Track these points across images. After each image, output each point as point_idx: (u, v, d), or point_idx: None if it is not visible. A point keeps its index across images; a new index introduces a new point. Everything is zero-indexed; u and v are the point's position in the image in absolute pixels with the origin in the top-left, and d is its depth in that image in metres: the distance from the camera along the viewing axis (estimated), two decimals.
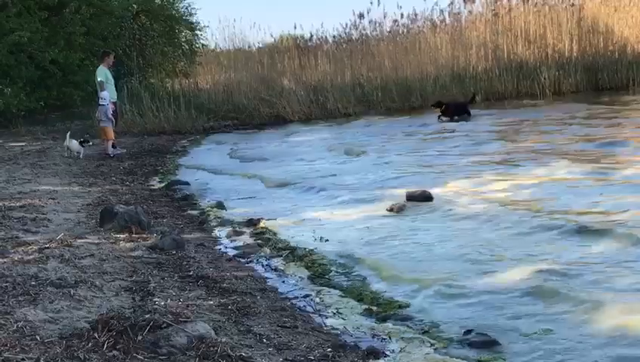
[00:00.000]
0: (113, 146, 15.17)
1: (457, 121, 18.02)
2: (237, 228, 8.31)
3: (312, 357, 4.29)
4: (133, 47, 24.68)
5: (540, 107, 19.37)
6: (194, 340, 4.09)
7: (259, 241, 7.66)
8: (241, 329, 4.67)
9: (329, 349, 4.43)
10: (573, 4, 23.62)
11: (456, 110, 18.61)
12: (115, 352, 3.97)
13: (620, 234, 6.64)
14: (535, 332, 4.68)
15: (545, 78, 21.96)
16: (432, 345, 4.65)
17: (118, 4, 24.83)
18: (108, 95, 15.06)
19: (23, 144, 16.97)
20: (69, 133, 15.03)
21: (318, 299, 5.61)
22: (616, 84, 22.17)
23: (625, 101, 18.74)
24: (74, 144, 14.69)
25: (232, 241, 7.79)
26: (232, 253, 7.26)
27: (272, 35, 28.94)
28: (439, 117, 18.43)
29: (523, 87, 22.59)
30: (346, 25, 26.70)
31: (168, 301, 5.05)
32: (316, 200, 9.78)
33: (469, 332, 4.75)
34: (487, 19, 24.35)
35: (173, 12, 26.57)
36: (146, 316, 4.34)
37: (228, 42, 26.42)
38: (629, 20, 23.13)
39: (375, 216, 8.44)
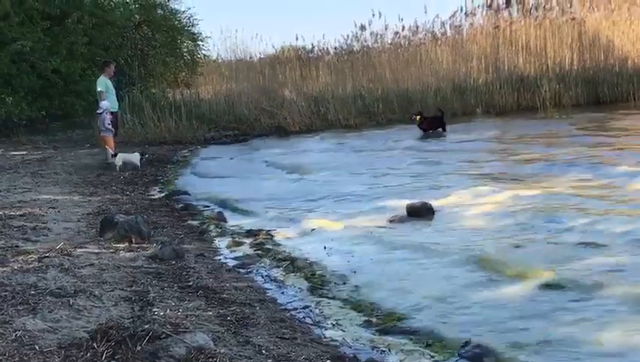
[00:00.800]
0: (114, 156, 15.14)
1: (432, 134, 18.23)
2: (237, 239, 8.31)
3: None
4: (135, 57, 24.78)
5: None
6: (193, 351, 4.08)
7: (259, 252, 7.66)
8: (240, 340, 4.66)
9: (328, 361, 4.42)
10: (574, 18, 23.68)
11: (433, 124, 18.66)
12: None
13: (618, 249, 6.64)
14: (534, 345, 4.68)
15: (545, 91, 21.98)
16: (431, 357, 4.65)
17: (120, 15, 24.91)
18: (106, 104, 15.04)
19: (24, 153, 17.01)
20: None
21: (317, 311, 5.61)
22: (617, 97, 22.18)
23: (617, 117, 18.58)
24: (135, 156, 14.65)
25: (231, 252, 7.79)
26: (231, 263, 7.25)
27: (273, 46, 29.03)
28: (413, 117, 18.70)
29: (524, 100, 22.59)
30: (348, 36, 26.83)
31: (167, 311, 5.04)
32: (316, 211, 9.77)
33: (468, 344, 4.74)
34: (488, 31, 24.39)
35: (176, 22, 26.66)
36: (145, 326, 4.34)
37: (229, 53, 26.54)
38: (630, 34, 23.19)
39: (375, 227, 8.44)
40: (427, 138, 17.89)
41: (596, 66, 23.06)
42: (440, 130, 18.56)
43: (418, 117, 18.64)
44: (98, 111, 15.14)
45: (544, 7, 24.27)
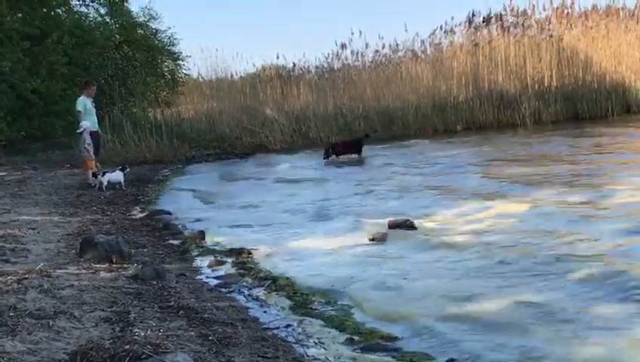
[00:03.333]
0: (94, 176, 15.04)
1: (344, 158, 18.14)
2: (219, 258, 8.27)
3: None
4: (115, 77, 24.75)
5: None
6: None
7: (241, 271, 7.62)
8: (222, 360, 4.62)
9: None
10: (552, 35, 23.93)
11: (346, 148, 18.48)
12: None
13: (598, 266, 6.66)
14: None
15: (525, 108, 22.16)
16: None
17: (100, 34, 24.91)
18: (86, 124, 14.95)
19: (4, 174, 16.87)
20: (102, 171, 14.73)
21: (299, 329, 5.58)
22: (596, 113, 22.42)
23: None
24: (118, 175, 14.63)
25: (213, 271, 7.74)
26: (213, 282, 7.21)
27: (254, 65, 29.09)
28: (327, 156, 18.21)
29: (504, 117, 22.78)
30: (328, 55, 26.98)
31: (148, 331, 4.99)
32: (298, 230, 9.75)
33: (451, 361, 4.74)
34: (468, 49, 24.60)
35: (156, 42, 26.72)
36: (126, 347, 4.30)
37: (210, 72, 26.52)
38: (607, 50, 23.46)
39: (357, 245, 8.43)
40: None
41: (575, 83, 23.32)
42: (355, 155, 18.39)
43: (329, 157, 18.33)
44: (78, 131, 15.08)
45: (523, 24, 24.52)
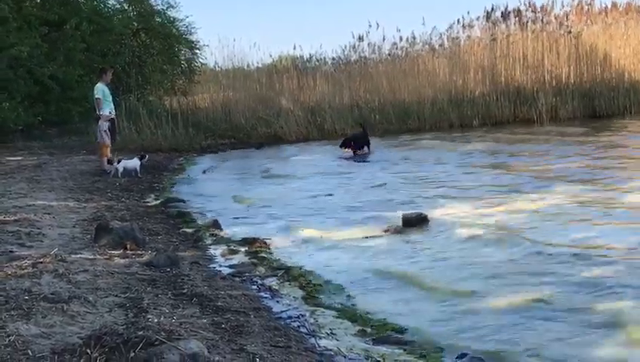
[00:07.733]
0: (110, 162, 15.07)
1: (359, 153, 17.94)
2: (232, 247, 8.29)
3: None
4: (132, 65, 24.76)
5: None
6: (186, 358, 4.06)
7: (254, 260, 7.64)
8: (235, 348, 4.64)
9: None
10: (571, 32, 23.76)
11: (357, 144, 18.20)
12: None
13: (612, 261, 6.65)
14: (530, 357, 4.67)
15: (542, 104, 22.01)
16: None
17: (118, 22, 24.92)
18: (106, 113, 15.00)
19: (20, 158, 16.96)
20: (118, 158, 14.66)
21: (312, 320, 5.59)
22: (613, 111, 22.24)
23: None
24: (134, 162, 14.62)
25: (226, 260, 7.77)
26: (226, 271, 7.23)
27: (271, 55, 28.98)
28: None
29: (520, 112, 22.64)
30: (345, 47, 26.87)
31: (162, 318, 5.01)
32: (311, 221, 9.75)
33: (463, 356, 4.73)
34: (486, 44, 24.45)
35: (174, 30, 26.66)
36: (139, 333, 4.31)
37: (227, 61, 26.45)
38: (626, 48, 23.27)
39: (371, 237, 8.44)
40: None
41: (593, 80, 23.12)
42: (365, 149, 18.12)
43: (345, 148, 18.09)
44: (98, 117, 15.02)
45: (541, 20, 24.36)
